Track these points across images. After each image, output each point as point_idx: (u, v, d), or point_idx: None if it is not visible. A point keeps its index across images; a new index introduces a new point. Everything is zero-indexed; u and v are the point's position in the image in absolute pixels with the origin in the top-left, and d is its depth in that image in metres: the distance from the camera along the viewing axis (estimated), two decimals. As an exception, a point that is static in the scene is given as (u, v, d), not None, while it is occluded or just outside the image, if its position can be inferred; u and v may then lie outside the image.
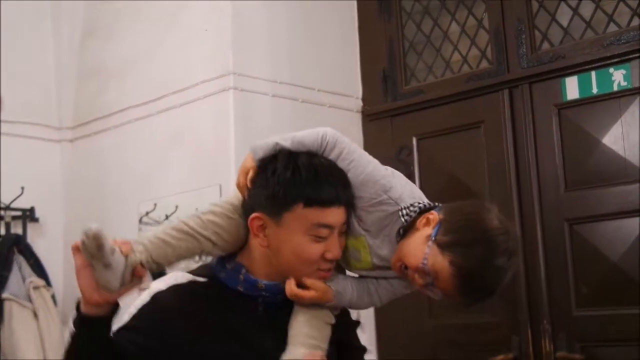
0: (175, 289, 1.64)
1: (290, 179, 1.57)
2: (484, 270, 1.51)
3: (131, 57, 4.11)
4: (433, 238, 1.52)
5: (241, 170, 1.62)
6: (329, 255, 1.59)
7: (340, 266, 1.67)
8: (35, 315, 3.84)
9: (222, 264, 1.66)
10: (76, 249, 1.47)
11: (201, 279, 1.66)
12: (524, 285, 3.34)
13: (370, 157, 1.62)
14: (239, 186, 1.63)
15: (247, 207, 1.61)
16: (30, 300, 3.85)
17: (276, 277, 1.62)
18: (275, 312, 1.64)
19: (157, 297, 1.63)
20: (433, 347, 3.53)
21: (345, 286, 1.64)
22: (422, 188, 3.78)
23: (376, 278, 1.66)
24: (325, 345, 1.61)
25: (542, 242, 3.33)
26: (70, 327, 1.53)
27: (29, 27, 4.30)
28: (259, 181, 1.60)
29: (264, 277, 1.63)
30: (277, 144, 1.60)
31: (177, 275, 1.68)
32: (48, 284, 3.99)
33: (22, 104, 4.19)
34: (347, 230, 1.62)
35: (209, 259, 1.72)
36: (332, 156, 1.60)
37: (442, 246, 1.51)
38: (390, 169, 1.63)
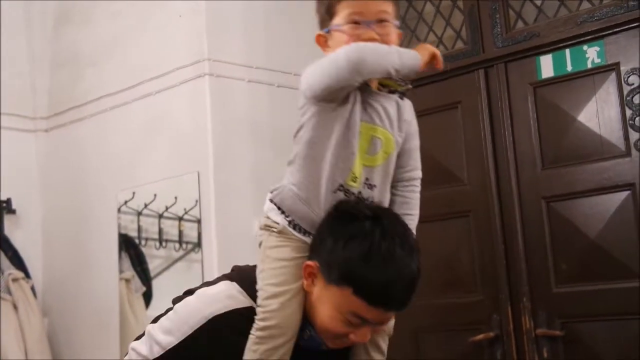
0: (232, 315, 1.58)
1: (355, 262, 1.49)
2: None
3: (105, 45, 4.08)
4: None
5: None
6: (352, 338, 1.56)
7: None
8: (15, 307, 3.83)
9: None
10: None
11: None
12: (504, 264, 3.36)
13: None
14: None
15: (312, 244, 1.58)
16: (9, 292, 3.84)
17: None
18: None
19: (214, 322, 1.57)
20: (414, 326, 3.54)
21: None
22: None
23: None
24: None
25: (520, 220, 3.35)
26: None
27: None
28: (333, 231, 1.55)
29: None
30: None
31: (233, 293, 1.61)
32: (27, 275, 3.97)
33: (-5, 94, 4.16)
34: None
35: None
36: None
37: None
38: None
